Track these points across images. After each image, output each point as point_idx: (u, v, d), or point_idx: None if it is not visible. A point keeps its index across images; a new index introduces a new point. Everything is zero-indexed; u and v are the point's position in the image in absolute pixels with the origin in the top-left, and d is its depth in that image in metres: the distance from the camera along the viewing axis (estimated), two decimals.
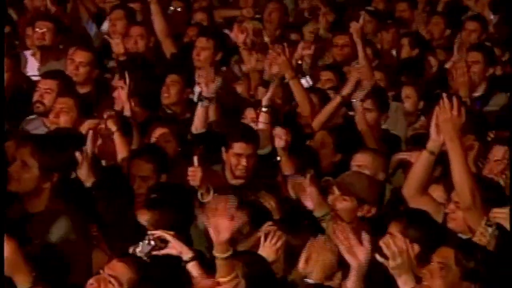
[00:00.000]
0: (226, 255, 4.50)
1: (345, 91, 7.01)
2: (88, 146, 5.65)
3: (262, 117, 6.61)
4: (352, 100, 6.88)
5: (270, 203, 5.65)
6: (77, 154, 5.46)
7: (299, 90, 7.14)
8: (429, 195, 5.44)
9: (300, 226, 5.07)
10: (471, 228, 5.02)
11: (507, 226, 4.76)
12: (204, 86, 6.70)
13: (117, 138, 6.24)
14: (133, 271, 4.47)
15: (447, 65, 8.53)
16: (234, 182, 6.26)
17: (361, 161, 6.10)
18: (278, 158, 6.18)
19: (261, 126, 6.54)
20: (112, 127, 6.22)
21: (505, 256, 4.58)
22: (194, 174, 5.56)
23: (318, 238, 4.81)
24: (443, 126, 5.08)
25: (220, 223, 4.45)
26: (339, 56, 8.45)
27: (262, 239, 4.93)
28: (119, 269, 4.48)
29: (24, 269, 4.04)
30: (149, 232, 4.85)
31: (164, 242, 4.77)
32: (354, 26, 7.82)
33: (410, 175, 5.41)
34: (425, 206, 5.22)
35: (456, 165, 5.03)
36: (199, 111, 6.71)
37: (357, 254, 4.54)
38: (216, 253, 4.51)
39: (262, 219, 5.37)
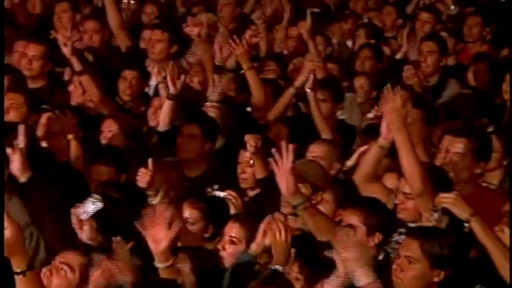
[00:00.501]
0: (167, 264, 4.47)
1: (298, 82, 7.05)
2: (20, 140, 5.42)
3: (212, 112, 6.60)
4: (306, 90, 6.92)
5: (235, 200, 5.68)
6: (8, 149, 5.29)
7: (255, 81, 7.17)
8: (380, 183, 5.54)
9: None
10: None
11: (454, 211, 4.82)
12: (171, 83, 6.65)
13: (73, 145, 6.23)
14: (83, 257, 4.49)
15: (398, 55, 8.59)
16: (190, 174, 6.28)
17: (316, 151, 6.15)
18: (252, 162, 6.19)
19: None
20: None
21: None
22: (143, 177, 5.49)
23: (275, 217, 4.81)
24: (389, 117, 5.19)
25: (157, 233, 4.42)
26: (292, 47, 8.47)
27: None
28: (69, 256, 4.51)
29: (22, 252, 4.05)
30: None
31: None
32: (302, 27, 7.88)
33: (361, 164, 5.53)
34: (376, 194, 5.31)
35: (405, 154, 5.11)
36: (166, 108, 6.67)
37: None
38: (158, 263, 4.48)
39: (219, 212, 5.40)
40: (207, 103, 6.84)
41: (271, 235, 4.74)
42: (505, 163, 6.25)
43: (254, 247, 4.84)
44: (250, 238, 4.99)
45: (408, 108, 5.21)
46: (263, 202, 5.86)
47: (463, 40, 8.79)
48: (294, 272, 4.71)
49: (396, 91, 5.19)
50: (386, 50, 8.82)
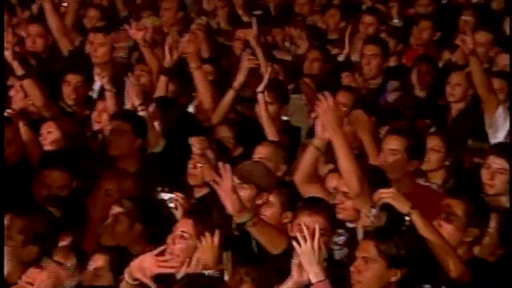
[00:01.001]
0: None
1: (237, 83, 7.06)
2: None
3: (149, 114, 6.57)
4: (257, 92, 6.93)
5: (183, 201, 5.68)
6: None
7: (202, 81, 7.16)
8: (319, 183, 5.57)
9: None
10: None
11: (395, 204, 4.87)
12: (136, 97, 6.61)
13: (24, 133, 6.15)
14: (47, 275, 4.54)
15: (341, 58, 8.66)
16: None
17: (262, 153, 6.16)
18: (200, 165, 6.18)
19: (154, 124, 6.53)
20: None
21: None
22: None
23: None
24: (324, 120, 5.23)
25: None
26: (239, 50, 8.49)
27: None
28: (34, 275, 4.54)
29: None
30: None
31: None
32: (249, 34, 7.93)
33: (300, 164, 5.56)
34: (316, 194, 5.35)
35: (342, 156, 5.15)
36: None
37: (305, 273, 4.45)
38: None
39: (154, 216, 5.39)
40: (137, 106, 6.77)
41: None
42: (447, 163, 6.33)
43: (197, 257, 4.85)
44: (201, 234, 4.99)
45: (341, 111, 5.27)
46: (211, 202, 5.84)
47: (405, 42, 8.89)
48: (239, 276, 4.72)
49: (327, 94, 5.23)
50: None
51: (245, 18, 9.38)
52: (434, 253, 4.70)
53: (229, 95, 7.12)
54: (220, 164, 4.94)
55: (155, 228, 5.32)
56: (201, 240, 4.79)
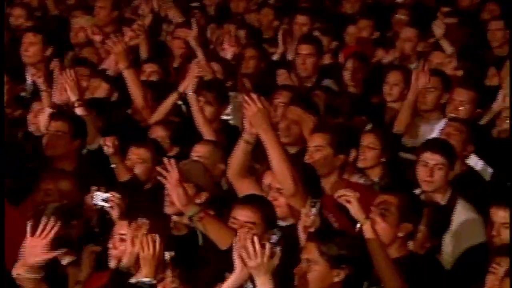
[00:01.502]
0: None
1: (183, 87, 7.02)
2: None
3: (79, 111, 6.52)
4: (188, 93, 6.89)
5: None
6: None
7: (133, 81, 7.10)
8: (251, 179, 5.52)
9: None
10: (296, 214, 5.15)
11: (351, 209, 4.89)
12: (71, 93, 6.54)
13: None
14: None
15: (275, 57, 8.67)
16: None
17: (200, 152, 6.16)
18: (113, 166, 6.16)
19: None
20: None
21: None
22: None
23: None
24: (253, 121, 5.23)
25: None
26: (179, 49, 8.44)
27: None
28: None
29: None
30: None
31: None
32: (189, 34, 7.90)
33: (231, 159, 5.55)
34: (248, 189, 5.35)
35: (274, 155, 5.16)
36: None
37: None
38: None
39: None
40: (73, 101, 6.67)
41: (138, 245, 4.69)
42: (383, 160, 6.38)
43: (125, 260, 4.74)
44: None
45: (269, 110, 5.26)
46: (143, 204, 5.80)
47: (338, 39, 8.95)
48: (168, 278, 4.68)
49: (254, 96, 5.24)
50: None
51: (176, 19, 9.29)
52: (376, 268, 4.73)
53: (172, 98, 7.08)
54: (166, 159, 4.95)
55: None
56: (140, 246, 4.71)
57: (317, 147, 5.81)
